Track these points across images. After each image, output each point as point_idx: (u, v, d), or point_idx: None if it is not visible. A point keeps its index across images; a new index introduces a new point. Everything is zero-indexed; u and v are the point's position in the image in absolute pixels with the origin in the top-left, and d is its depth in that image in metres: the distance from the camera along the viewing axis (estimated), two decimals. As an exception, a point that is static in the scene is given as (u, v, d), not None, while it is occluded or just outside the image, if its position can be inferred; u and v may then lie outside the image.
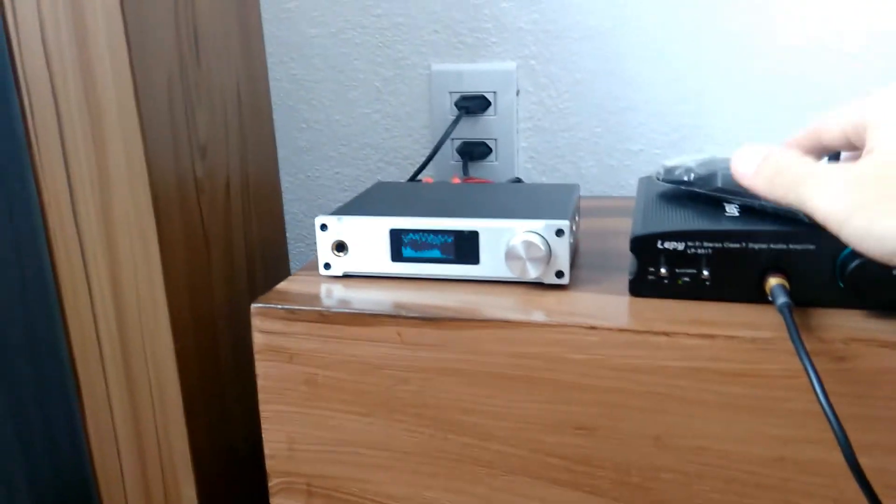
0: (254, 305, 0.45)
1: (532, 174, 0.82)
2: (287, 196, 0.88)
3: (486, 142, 0.81)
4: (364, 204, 0.51)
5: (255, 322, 0.45)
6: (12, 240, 0.48)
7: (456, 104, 0.81)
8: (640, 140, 0.78)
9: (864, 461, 0.34)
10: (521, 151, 0.82)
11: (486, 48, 0.80)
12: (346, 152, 0.86)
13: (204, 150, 0.52)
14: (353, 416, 0.46)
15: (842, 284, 0.40)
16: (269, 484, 0.48)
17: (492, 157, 0.82)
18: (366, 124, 0.85)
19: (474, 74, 0.80)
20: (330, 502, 0.48)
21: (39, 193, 0.48)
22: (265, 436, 0.47)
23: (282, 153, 0.87)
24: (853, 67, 0.71)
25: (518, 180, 0.71)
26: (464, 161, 0.81)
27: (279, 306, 0.45)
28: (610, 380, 0.42)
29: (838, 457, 0.36)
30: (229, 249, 0.57)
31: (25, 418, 0.53)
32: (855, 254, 0.39)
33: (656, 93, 0.76)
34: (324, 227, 0.48)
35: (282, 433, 0.47)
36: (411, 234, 0.47)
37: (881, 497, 0.33)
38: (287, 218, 0.89)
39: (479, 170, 0.82)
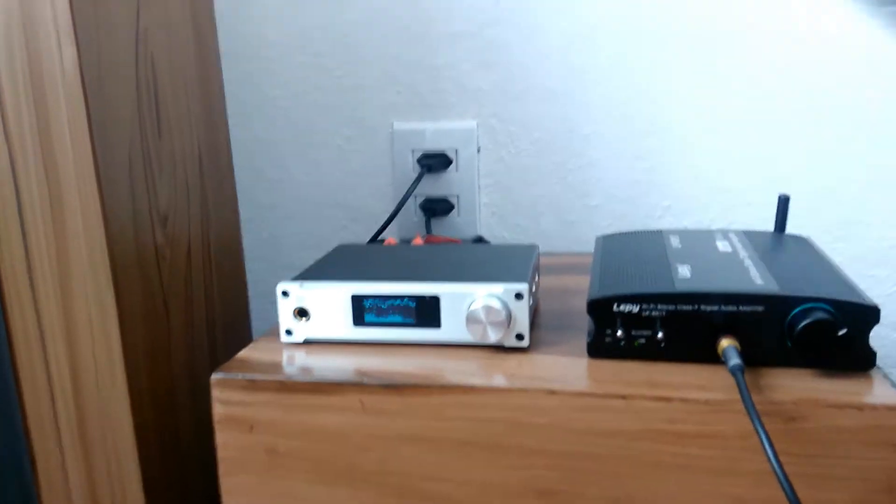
0: (214, 376, 0.45)
1: (495, 229, 0.83)
2: (251, 254, 0.88)
3: (449, 198, 0.83)
4: (325, 269, 0.52)
5: (215, 393, 0.45)
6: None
7: (418, 161, 0.82)
8: (598, 196, 0.80)
9: (817, 522, 0.35)
10: (483, 207, 0.83)
11: (446, 108, 0.82)
12: (310, 210, 0.87)
13: (165, 219, 0.52)
14: (316, 487, 0.46)
15: (790, 344, 0.42)
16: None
17: (454, 213, 0.83)
18: (329, 183, 0.86)
19: (436, 133, 0.82)
20: (293, 575, 0.47)
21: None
22: (224, 488, 0.47)
23: (245, 212, 0.87)
24: (807, 131, 0.74)
25: (480, 239, 0.72)
26: (427, 217, 0.82)
27: (239, 376, 0.45)
28: (570, 443, 0.42)
29: (793, 517, 0.36)
30: (189, 317, 0.57)
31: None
32: (803, 314, 0.41)
33: (613, 150, 0.78)
34: (285, 293, 0.48)
35: (246, 501, 0.47)
36: (373, 300, 0.47)
37: (835, 558, 0.34)
38: (251, 276, 0.89)
39: (442, 226, 0.83)
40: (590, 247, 0.81)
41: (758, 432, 0.36)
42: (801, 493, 0.39)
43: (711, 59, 0.74)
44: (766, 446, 0.35)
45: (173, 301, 0.54)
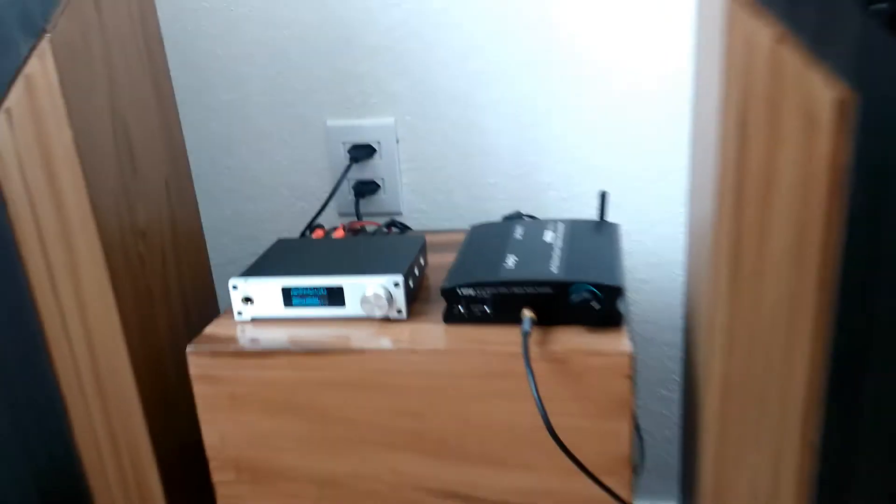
0: (188, 348, 0.66)
1: (415, 204, 1.03)
2: (218, 229, 1.08)
3: (375, 181, 1.02)
4: (264, 265, 0.72)
5: (191, 360, 0.66)
6: (12, 307, 0.68)
7: (348, 151, 1.01)
8: (495, 175, 0.99)
9: (565, 424, 0.57)
10: (405, 187, 1.02)
11: (369, 107, 1.00)
12: (264, 192, 1.06)
13: (143, 234, 0.72)
14: (264, 417, 0.68)
15: (568, 313, 0.63)
16: (211, 465, 0.69)
17: (381, 192, 1.02)
18: (278, 170, 1.04)
19: (361, 128, 1.00)
20: (254, 474, 0.70)
21: (27, 275, 0.67)
22: (204, 434, 0.69)
23: (211, 195, 1.06)
24: (674, 111, 0.93)
25: (393, 222, 0.92)
26: (357, 198, 1.02)
27: (206, 348, 0.66)
28: (429, 381, 0.64)
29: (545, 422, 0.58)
30: (168, 299, 0.77)
31: (25, 430, 0.73)
32: (575, 293, 0.62)
33: (505, 139, 0.97)
34: (235, 286, 0.69)
35: (215, 431, 0.69)
36: (296, 289, 0.68)
37: (572, 448, 0.57)
38: (218, 248, 1.09)
39: (372, 203, 1.03)
40: (491, 214, 1.01)
41: (527, 371, 0.58)
42: (562, 409, 0.61)
43: (578, 68, 0.92)
44: (530, 378, 0.57)
45: (155, 290, 0.74)
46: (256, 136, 1.03)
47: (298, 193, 1.05)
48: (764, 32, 0.48)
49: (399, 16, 0.94)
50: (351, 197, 1.03)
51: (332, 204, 1.04)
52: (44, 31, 0.60)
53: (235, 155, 1.04)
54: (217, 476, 0.70)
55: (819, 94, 0.46)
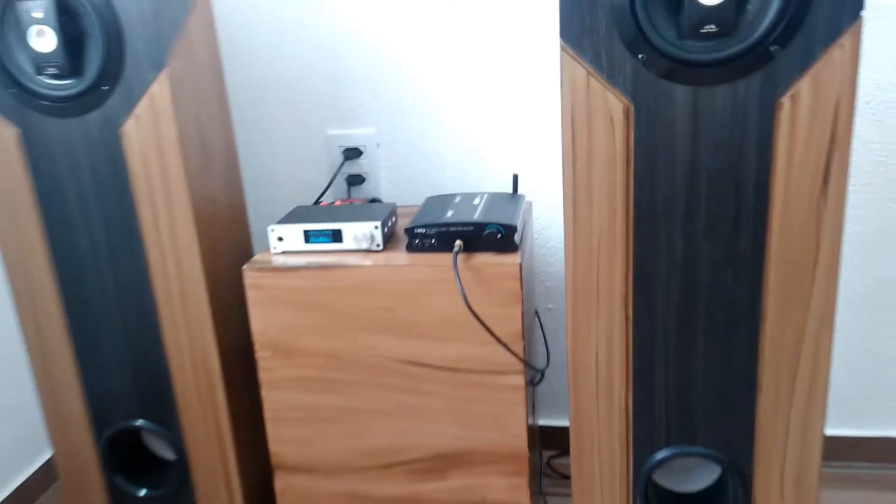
0: (244, 266, 1.04)
1: (391, 191, 1.42)
2: (257, 208, 1.46)
3: (362, 174, 1.41)
4: (289, 218, 1.10)
5: (246, 274, 1.04)
6: (125, 248, 1.05)
7: (342, 153, 1.40)
8: (447, 170, 1.39)
9: (481, 311, 0.96)
10: (383, 179, 1.41)
11: (357, 120, 1.39)
12: (281, 182, 1.44)
13: (214, 200, 1.10)
14: (290, 312, 1.05)
15: (483, 243, 1.01)
16: (255, 346, 1.07)
17: (366, 183, 1.41)
18: (290, 166, 1.43)
19: (352, 136, 1.39)
20: (283, 351, 1.07)
21: (139, 222, 1.05)
22: (252, 325, 1.06)
23: (249, 185, 1.44)
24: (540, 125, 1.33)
25: (374, 199, 1.30)
26: (348, 186, 1.40)
27: (256, 265, 1.04)
28: (396, 287, 1.02)
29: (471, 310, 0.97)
30: (226, 245, 1.15)
31: (130, 328, 1.10)
32: (487, 229, 1.00)
33: (451, 145, 1.37)
34: (272, 230, 1.07)
35: (259, 323, 1.06)
36: (312, 231, 1.06)
37: (493, 329, 0.95)
38: (258, 218, 1.46)
39: (359, 191, 1.42)
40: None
41: (456, 277, 0.96)
42: (479, 301, 0.99)
43: (505, 100, 1.32)
44: (458, 282, 0.95)
45: (218, 235, 1.12)
46: (273, 142, 1.42)
47: (305, 185, 1.44)
48: (581, 70, 0.87)
49: (381, 56, 1.34)
50: (344, 187, 1.42)
51: (328, 194, 1.42)
52: (163, 66, 0.98)
53: (258, 155, 1.43)
54: (259, 353, 1.07)
55: (614, 104, 0.86)
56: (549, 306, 1.43)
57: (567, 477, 1.43)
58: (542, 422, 1.51)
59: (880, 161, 1.26)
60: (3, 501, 1.44)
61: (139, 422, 1.16)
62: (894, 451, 1.41)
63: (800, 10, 0.81)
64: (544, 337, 1.43)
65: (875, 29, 1.20)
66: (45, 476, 1.53)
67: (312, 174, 1.43)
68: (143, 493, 1.21)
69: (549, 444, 1.51)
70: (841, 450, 1.42)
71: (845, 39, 0.82)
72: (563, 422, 1.49)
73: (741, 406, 0.97)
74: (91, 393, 1.17)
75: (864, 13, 0.81)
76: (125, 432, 1.20)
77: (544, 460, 1.49)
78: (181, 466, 1.18)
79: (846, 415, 1.41)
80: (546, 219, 1.38)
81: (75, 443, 1.20)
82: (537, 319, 1.40)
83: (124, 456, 1.22)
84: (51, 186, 1.07)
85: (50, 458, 1.55)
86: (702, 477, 1.09)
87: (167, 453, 1.25)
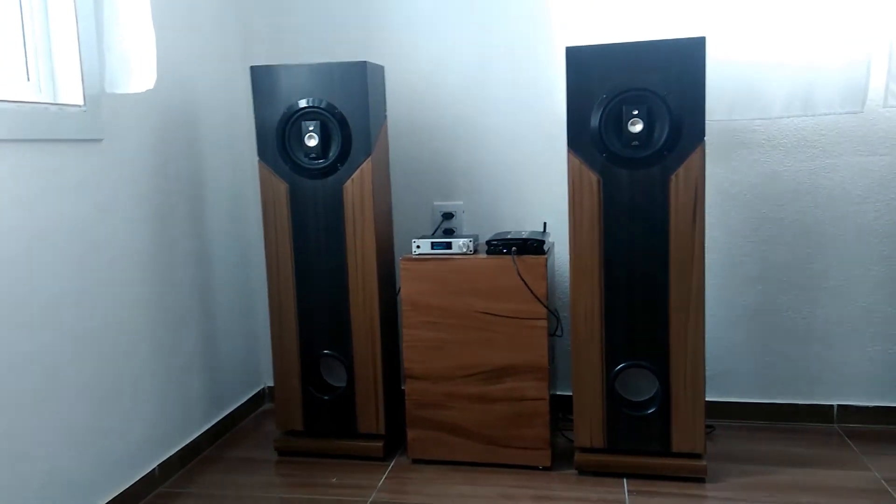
0: (401, 258, 1.98)
1: (470, 226, 2.37)
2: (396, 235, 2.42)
3: (453, 228, 2.37)
4: (422, 237, 2.05)
5: (400, 263, 1.98)
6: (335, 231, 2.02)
7: (441, 215, 2.37)
8: (506, 225, 2.34)
9: (527, 284, 1.88)
10: (465, 229, 2.37)
11: (453, 196, 2.37)
12: (412, 226, 2.41)
13: (383, 227, 2.06)
14: (421, 284, 1.98)
15: (527, 248, 1.94)
16: (402, 306, 1.98)
17: (455, 232, 2.37)
18: (416, 220, 2.40)
19: (448, 206, 2.37)
20: (416, 307, 1.98)
21: (345, 229, 2.01)
22: (402, 292, 1.98)
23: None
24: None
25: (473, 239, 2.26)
26: (444, 233, 2.37)
27: (406, 257, 1.98)
28: (481, 271, 1.94)
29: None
30: (386, 250, 2.10)
31: (328, 282, 2.03)
32: (528, 240, 1.94)
33: (509, 205, 2.33)
34: (414, 241, 2.02)
35: (406, 290, 1.98)
36: (436, 243, 2.01)
37: (527, 293, 1.87)
38: (400, 236, 2.41)
39: (450, 223, 2.38)
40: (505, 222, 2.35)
41: (514, 266, 1.89)
42: (526, 279, 1.91)
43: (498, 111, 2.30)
44: (516, 268, 1.88)
45: (384, 238, 2.07)
46: (403, 205, 2.40)
47: (420, 230, 2.40)
48: (577, 161, 1.84)
49: (469, 158, 2.34)
50: (441, 233, 2.38)
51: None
52: (370, 154, 1.98)
53: (397, 210, 2.40)
54: (404, 307, 1.99)
55: (592, 177, 1.84)
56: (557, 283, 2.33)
57: (569, 419, 2.26)
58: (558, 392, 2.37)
59: (723, 211, 2.19)
60: (227, 415, 2.32)
61: (328, 351, 2.07)
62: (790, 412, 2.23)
63: (675, 136, 1.78)
64: (558, 321, 2.32)
65: (710, 145, 2.17)
66: (256, 404, 2.42)
67: (426, 228, 2.39)
68: (326, 397, 2.09)
69: (562, 406, 2.36)
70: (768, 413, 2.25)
71: (698, 149, 1.78)
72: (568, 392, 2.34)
73: (661, 336, 1.86)
74: (302, 333, 2.08)
75: (707, 138, 1.79)
76: (319, 357, 2.10)
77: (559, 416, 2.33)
78: (350, 380, 2.07)
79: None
80: (557, 245, 2.31)
81: (288, 363, 2.10)
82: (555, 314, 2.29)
83: (314, 376, 2.11)
84: (301, 216, 2.04)
85: (260, 390, 2.45)
86: (645, 390, 1.95)
87: (334, 382, 2.14)
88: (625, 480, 1.91)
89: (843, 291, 2.17)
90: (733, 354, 2.26)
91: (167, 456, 2.04)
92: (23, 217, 1.55)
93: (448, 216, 2.37)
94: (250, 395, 2.52)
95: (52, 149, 1.63)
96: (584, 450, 1.95)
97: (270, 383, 2.60)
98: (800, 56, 2.04)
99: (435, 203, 2.38)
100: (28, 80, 1.66)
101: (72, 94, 1.72)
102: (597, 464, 1.93)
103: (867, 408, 2.19)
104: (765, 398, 2.25)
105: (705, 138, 1.78)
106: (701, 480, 1.88)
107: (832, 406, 2.21)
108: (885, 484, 1.84)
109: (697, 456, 1.89)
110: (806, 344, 2.21)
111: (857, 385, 2.19)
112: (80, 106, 1.71)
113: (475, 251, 2.03)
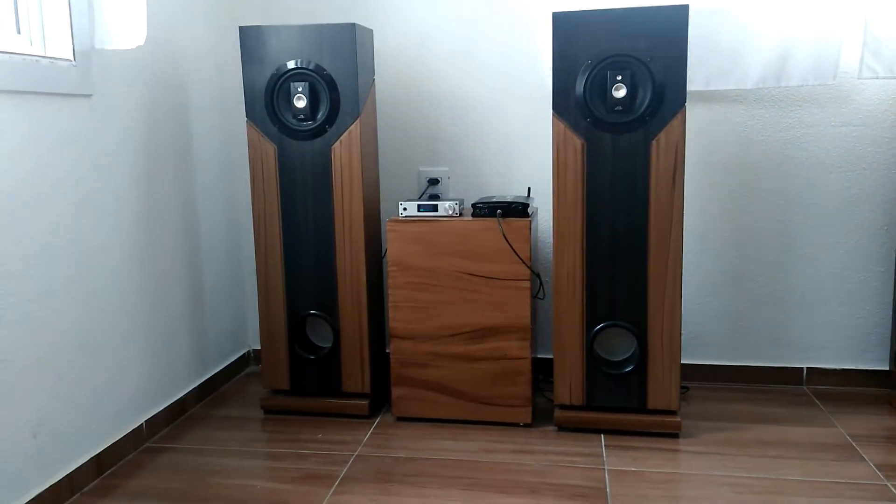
0: (388, 220, 2.01)
1: (455, 190, 2.41)
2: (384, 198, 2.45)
3: (438, 194, 2.41)
4: (409, 199, 2.09)
5: (387, 224, 2.01)
6: (324, 213, 2.04)
7: (427, 181, 2.40)
8: (490, 189, 2.38)
9: (511, 247, 1.93)
10: (451, 195, 2.41)
11: (437, 163, 2.41)
12: (397, 188, 2.44)
13: (375, 184, 2.09)
14: (408, 244, 2.01)
15: (512, 211, 1.99)
16: (389, 266, 2.02)
17: (441, 196, 2.41)
18: (401, 182, 2.43)
19: (434, 171, 2.40)
20: (402, 267, 2.02)
21: (332, 192, 2.04)
22: (388, 252, 2.02)
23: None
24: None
25: (461, 200, 2.30)
26: (429, 198, 2.40)
27: (393, 218, 2.02)
28: (466, 232, 1.99)
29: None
30: (373, 212, 2.13)
31: (317, 246, 2.06)
32: (512, 204, 1.98)
33: (496, 171, 2.37)
34: (401, 203, 2.05)
35: (392, 251, 2.02)
36: (422, 205, 2.05)
37: (511, 257, 1.92)
38: (386, 204, 2.44)
39: (436, 188, 2.41)
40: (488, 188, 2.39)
41: (500, 227, 1.93)
42: (511, 241, 1.96)
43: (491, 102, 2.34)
44: (501, 230, 1.93)
45: (372, 202, 2.10)
46: (389, 174, 2.43)
47: (406, 195, 2.43)
48: (561, 125, 1.89)
49: (454, 128, 2.37)
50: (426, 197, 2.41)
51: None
52: (358, 116, 2.01)
53: (384, 175, 2.43)
54: (390, 268, 2.03)
55: (576, 141, 1.88)
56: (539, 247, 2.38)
57: (550, 381, 2.32)
58: (540, 355, 2.42)
59: (701, 177, 2.25)
60: (215, 375, 2.35)
61: (314, 311, 2.10)
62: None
63: (657, 102, 1.83)
64: (541, 283, 2.37)
65: (690, 114, 2.23)
66: (241, 366, 2.45)
67: (411, 191, 2.43)
68: (312, 357, 2.13)
69: (542, 368, 2.42)
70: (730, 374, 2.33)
71: (679, 115, 1.83)
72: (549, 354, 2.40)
73: (640, 297, 1.91)
74: (289, 293, 2.11)
75: (686, 104, 1.83)
76: (305, 317, 2.13)
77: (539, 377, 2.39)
78: (336, 340, 2.10)
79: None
80: (540, 211, 2.36)
81: (276, 322, 2.13)
82: (538, 277, 2.35)
83: (300, 336, 2.15)
84: (289, 177, 2.07)
85: (245, 352, 2.48)
86: (622, 351, 2.01)
87: (320, 342, 2.18)
88: (602, 436, 1.97)
89: (815, 259, 2.25)
90: (708, 319, 2.33)
91: (154, 413, 2.07)
92: (13, 168, 1.56)
93: (434, 182, 2.40)
94: (236, 358, 2.55)
95: (42, 102, 1.64)
96: (563, 406, 2.01)
97: (256, 346, 2.63)
98: (776, 28, 2.09)
99: (420, 169, 2.41)
100: (19, 33, 1.66)
101: (62, 49, 1.72)
102: (576, 420, 2.00)
103: (835, 370, 2.28)
104: (737, 361, 2.33)
105: (685, 104, 1.83)
106: (675, 436, 1.95)
107: (802, 368, 2.30)
108: (850, 439, 1.92)
109: (672, 413, 1.96)
110: (778, 309, 2.29)
111: (826, 349, 2.28)
112: (70, 60, 1.72)
113: (461, 214, 2.07)
